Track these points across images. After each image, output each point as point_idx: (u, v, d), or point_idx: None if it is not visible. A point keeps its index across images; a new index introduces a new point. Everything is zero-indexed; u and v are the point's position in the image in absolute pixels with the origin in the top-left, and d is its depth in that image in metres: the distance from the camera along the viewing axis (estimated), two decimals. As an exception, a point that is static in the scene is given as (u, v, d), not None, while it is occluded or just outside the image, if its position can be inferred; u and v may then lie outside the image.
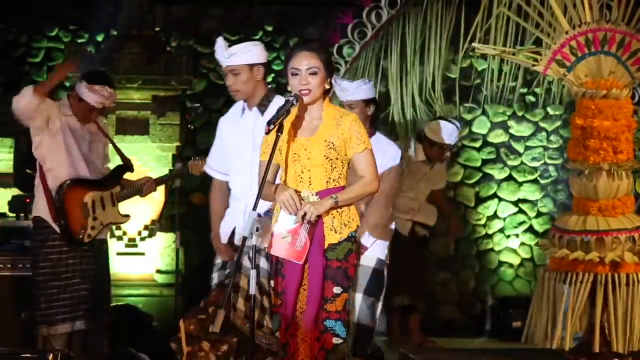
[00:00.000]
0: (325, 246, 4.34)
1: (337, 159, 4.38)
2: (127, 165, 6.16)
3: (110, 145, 6.19)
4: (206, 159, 5.59)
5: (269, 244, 4.39)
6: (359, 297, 5.81)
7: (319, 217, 4.32)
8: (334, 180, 4.39)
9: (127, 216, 6.16)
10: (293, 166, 4.40)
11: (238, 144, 5.12)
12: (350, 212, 4.41)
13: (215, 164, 5.44)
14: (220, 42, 5.06)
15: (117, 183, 6.06)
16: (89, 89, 5.84)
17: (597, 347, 5.43)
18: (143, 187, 6.11)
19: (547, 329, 5.57)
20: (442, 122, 7.32)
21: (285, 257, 4.34)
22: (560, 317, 5.48)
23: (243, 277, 4.86)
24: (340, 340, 4.33)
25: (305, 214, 4.29)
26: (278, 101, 4.96)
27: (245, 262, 4.84)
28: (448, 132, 7.30)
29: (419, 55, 7.29)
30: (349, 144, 4.39)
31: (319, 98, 4.43)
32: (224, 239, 5.26)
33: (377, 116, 6.02)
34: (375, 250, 5.84)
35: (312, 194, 4.36)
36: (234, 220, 5.17)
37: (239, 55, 4.99)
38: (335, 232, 4.35)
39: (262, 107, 5.05)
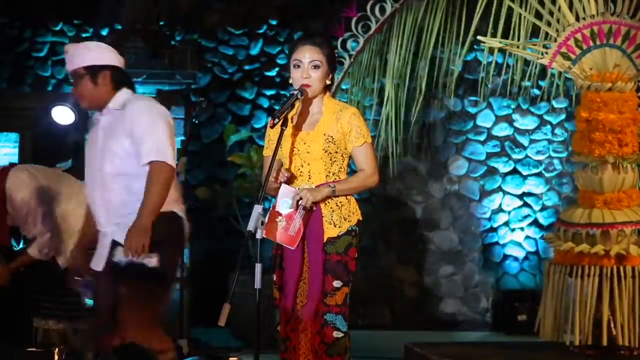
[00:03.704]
0: (325, 240, 4.33)
1: (336, 152, 4.38)
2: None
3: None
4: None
5: (264, 227, 4.35)
6: None
7: (316, 204, 4.32)
8: (333, 174, 4.38)
9: None
10: (293, 160, 4.40)
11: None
12: (350, 205, 4.40)
13: None
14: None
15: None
16: None
17: (605, 340, 5.43)
18: None
19: (554, 322, 5.58)
20: None
21: (278, 241, 4.34)
22: (568, 310, 5.49)
23: None
24: (341, 334, 4.33)
25: (300, 199, 4.29)
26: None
27: None
28: None
29: (423, 49, 7.27)
30: (349, 138, 4.38)
31: (319, 92, 4.42)
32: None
33: None
34: None
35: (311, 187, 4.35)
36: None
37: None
38: (335, 226, 4.34)
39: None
